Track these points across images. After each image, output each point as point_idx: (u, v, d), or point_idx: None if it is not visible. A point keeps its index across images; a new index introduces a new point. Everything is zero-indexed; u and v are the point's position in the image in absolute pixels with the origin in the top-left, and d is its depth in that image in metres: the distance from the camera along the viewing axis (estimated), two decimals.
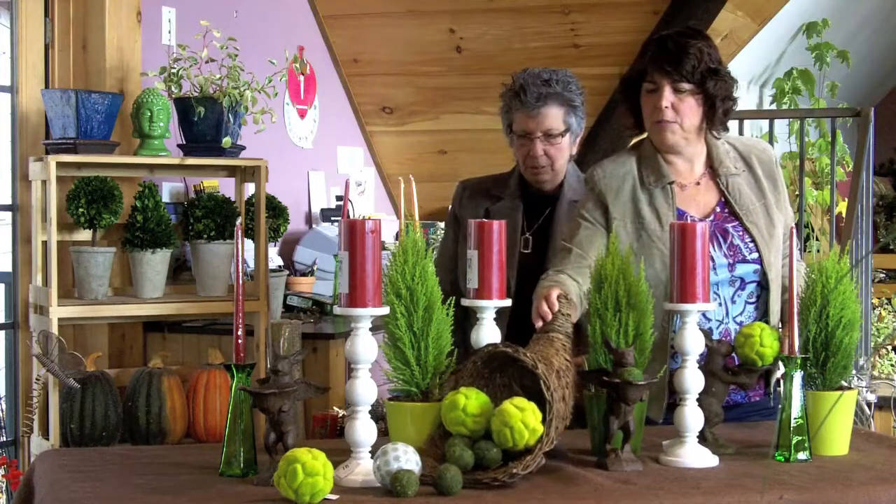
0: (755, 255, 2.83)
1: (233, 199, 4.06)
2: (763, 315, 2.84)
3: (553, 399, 2.22)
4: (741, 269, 2.82)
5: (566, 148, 3.24)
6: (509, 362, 2.36)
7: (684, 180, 2.88)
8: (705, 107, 2.81)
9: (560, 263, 2.82)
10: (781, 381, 2.47)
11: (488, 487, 2.18)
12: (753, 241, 2.83)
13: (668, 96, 2.78)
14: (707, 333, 2.52)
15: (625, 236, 2.80)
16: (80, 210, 3.68)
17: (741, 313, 2.83)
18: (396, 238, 5.39)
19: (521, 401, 2.22)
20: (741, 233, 2.84)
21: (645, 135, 2.92)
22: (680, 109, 2.79)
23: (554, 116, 3.18)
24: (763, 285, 2.84)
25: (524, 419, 2.19)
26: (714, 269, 2.74)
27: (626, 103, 2.91)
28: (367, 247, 2.22)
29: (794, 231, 2.66)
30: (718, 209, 2.86)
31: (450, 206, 3.43)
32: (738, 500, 2.17)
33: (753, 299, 2.85)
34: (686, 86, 2.77)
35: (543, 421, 2.21)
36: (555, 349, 2.39)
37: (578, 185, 3.23)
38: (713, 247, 2.78)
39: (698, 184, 2.88)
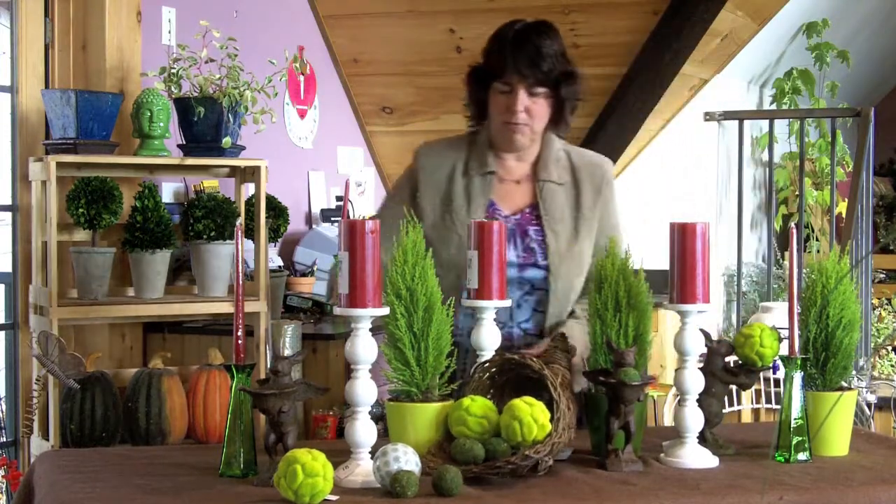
0: (545, 262, 2.78)
1: (233, 199, 4.06)
2: (540, 326, 2.79)
3: (560, 399, 2.23)
4: (530, 273, 2.78)
5: None
6: (511, 380, 2.39)
7: (507, 176, 2.85)
8: (555, 108, 2.78)
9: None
10: (782, 383, 2.47)
11: (499, 474, 2.20)
12: (547, 248, 2.78)
13: (523, 99, 2.73)
14: (707, 334, 2.52)
15: (430, 212, 2.80)
16: (80, 210, 3.68)
17: (527, 320, 2.79)
18: None
19: (531, 399, 2.25)
20: (540, 238, 2.79)
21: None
22: (532, 112, 2.75)
23: None
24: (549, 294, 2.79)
25: (534, 414, 2.21)
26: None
27: (472, 94, 2.85)
28: (367, 247, 2.23)
29: (795, 231, 2.66)
30: (528, 210, 2.82)
31: None
32: (738, 501, 2.17)
33: (542, 308, 2.79)
34: (541, 89, 2.73)
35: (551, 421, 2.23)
36: (555, 372, 2.40)
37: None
38: (510, 245, 2.75)
39: (518, 182, 2.85)
